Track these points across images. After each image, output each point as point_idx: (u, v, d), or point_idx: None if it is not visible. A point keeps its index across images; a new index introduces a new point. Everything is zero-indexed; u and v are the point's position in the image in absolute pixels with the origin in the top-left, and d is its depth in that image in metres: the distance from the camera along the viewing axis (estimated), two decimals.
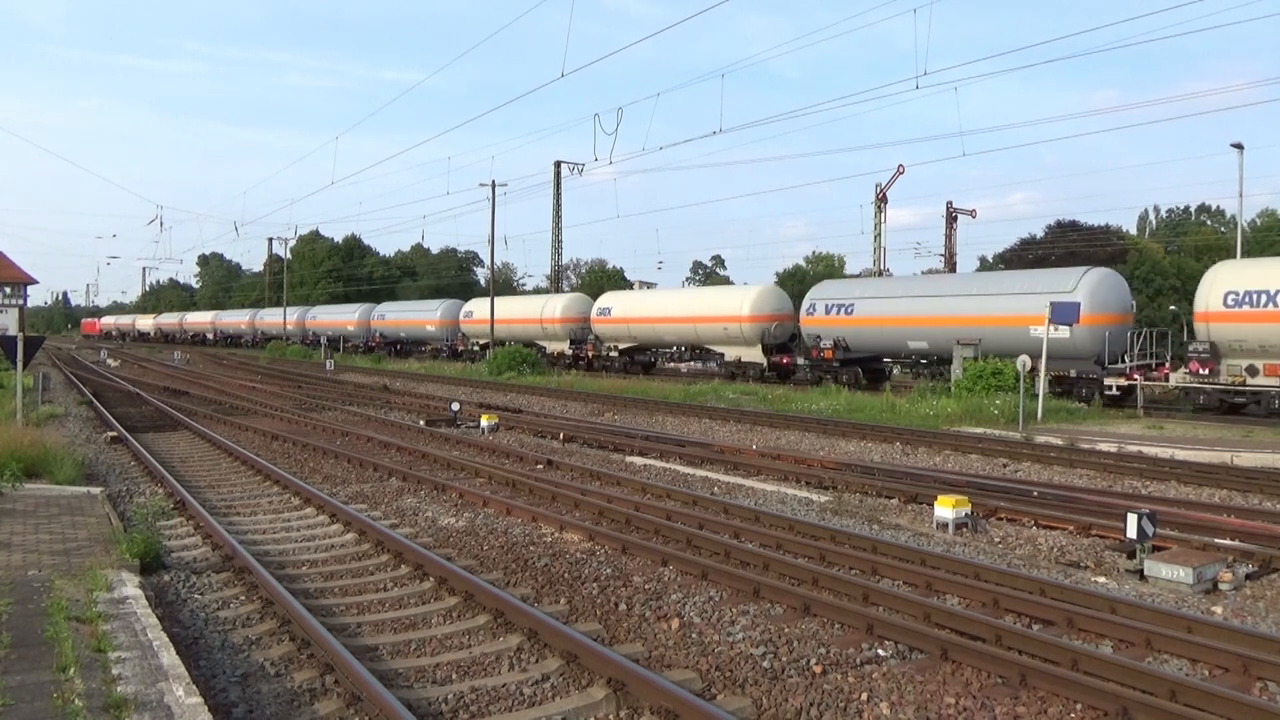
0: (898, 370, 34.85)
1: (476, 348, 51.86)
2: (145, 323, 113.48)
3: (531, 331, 47.76)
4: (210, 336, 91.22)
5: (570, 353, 45.07)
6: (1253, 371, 23.29)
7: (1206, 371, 23.93)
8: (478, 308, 52.35)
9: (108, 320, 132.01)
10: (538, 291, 66.71)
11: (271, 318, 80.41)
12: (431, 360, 54.74)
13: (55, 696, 5.21)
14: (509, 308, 49.38)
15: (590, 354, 43.85)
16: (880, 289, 34.51)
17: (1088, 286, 26.72)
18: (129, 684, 5.46)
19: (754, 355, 36.32)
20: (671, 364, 42.82)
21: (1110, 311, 26.95)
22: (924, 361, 31.80)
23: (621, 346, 42.27)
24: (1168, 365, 25.92)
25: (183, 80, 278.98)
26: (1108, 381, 25.96)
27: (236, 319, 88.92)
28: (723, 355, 37.96)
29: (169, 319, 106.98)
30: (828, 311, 33.53)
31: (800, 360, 34.37)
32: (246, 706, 5.93)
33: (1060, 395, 26.04)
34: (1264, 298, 23.06)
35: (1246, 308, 23.38)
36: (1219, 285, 24.11)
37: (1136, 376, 25.33)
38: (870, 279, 42.92)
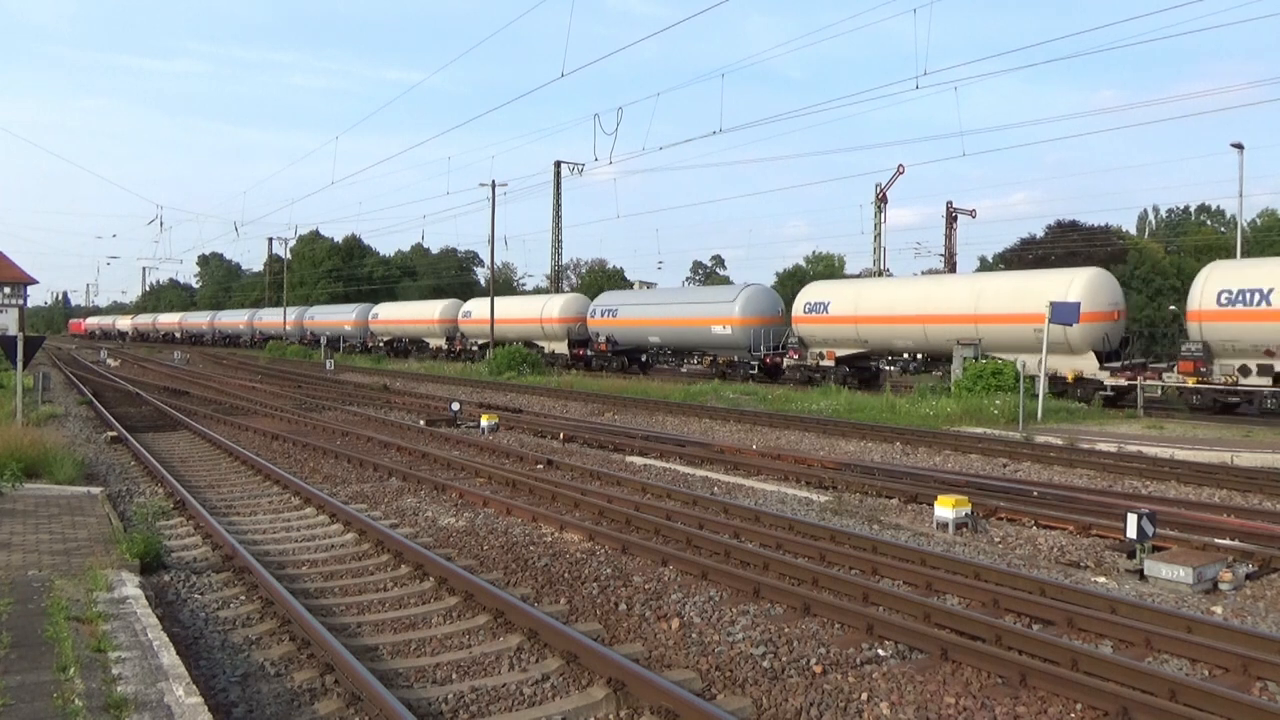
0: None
1: (382, 344, 64.25)
2: (124, 323, 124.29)
3: (421, 330, 59.92)
4: (178, 335, 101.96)
5: (446, 346, 56.73)
6: (827, 355, 34.00)
7: (798, 358, 34.48)
8: (383, 310, 65.79)
9: (92, 321, 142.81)
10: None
11: (227, 319, 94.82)
12: (356, 354, 62.33)
13: (55, 696, 5.21)
14: (406, 310, 63.23)
15: (459, 348, 55.49)
16: (633, 298, 44.43)
17: (742, 299, 37.33)
18: (129, 684, 5.46)
19: (562, 348, 46.22)
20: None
21: (761, 315, 36.91)
22: (665, 351, 42.34)
23: (480, 342, 52.09)
24: (794, 351, 34.74)
25: (184, 80, 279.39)
26: (752, 363, 36.36)
27: (199, 320, 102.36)
28: (542, 348, 47.52)
29: (144, 319, 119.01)
30: (603, 315, 43.21)
31: (589, 352, 44.10)
32: (246, 706, 5.93)
33: (723, 376, 36.72)
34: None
35: (818, 315, 33.60)
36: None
37: (769, 359, 35.84)
38: (630, 290, 53.72)
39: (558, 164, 58.21)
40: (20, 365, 16.65)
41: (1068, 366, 26.67)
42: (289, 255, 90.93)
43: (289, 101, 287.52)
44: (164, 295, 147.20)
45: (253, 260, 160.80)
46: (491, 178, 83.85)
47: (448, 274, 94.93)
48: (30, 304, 74.94)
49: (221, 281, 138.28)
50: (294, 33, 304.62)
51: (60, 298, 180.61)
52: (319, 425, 22.25)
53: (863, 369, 33.81)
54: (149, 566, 8.83)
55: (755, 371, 36.14)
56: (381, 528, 10.58)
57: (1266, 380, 22.31)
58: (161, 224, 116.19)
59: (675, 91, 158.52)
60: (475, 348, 53.10)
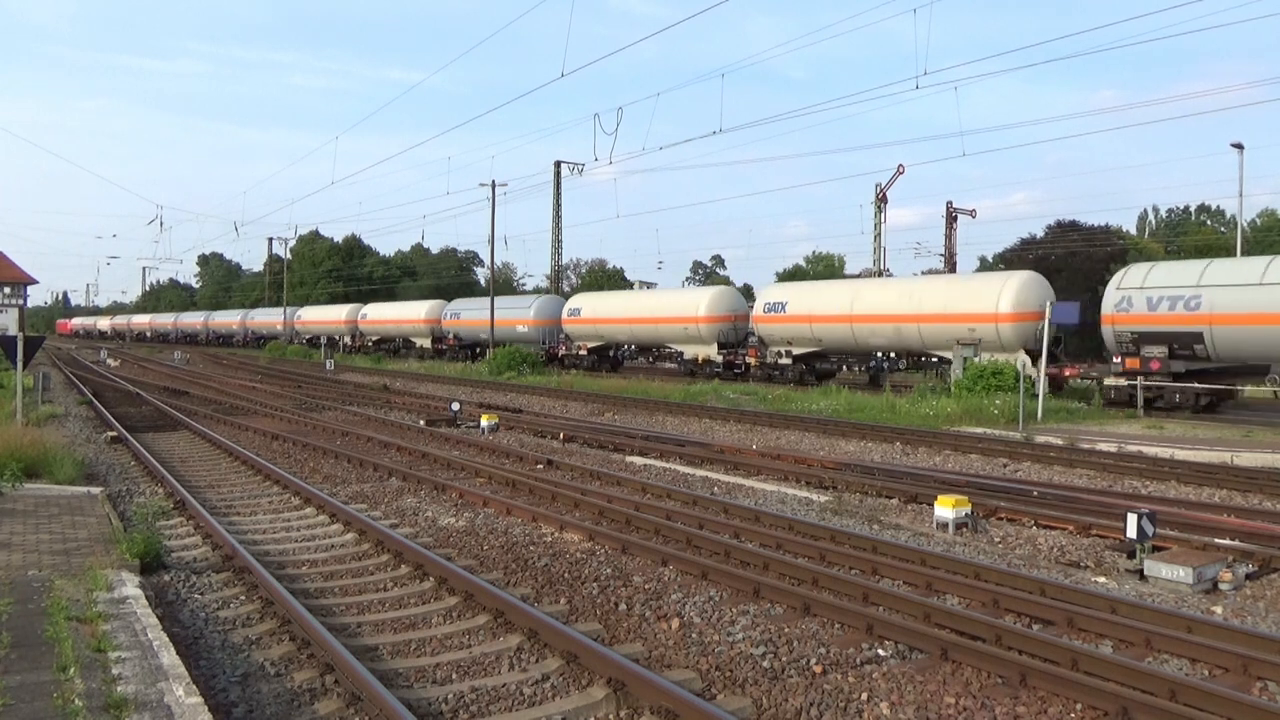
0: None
1: (304, 341, 74.45)
2: (104, 323, 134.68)
3: (332, 329, 72.01)
4: (148, 335, 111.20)
5: (349, 342, 69.49)
6: (582, 347, 45.53)
7: (565, 350, 46.32)
8: (305, 313, 78.17)
9: (76, 321, 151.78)
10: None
11: (189, 319, 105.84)
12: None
13: (55, 696, 5.21)
14: (321, 313, 75.78)
15: (359, 344, 68.61)
16: (470, 305, 56.89)
17: (535, 306, 50.15)
18: (129, 684, 5.46)
19: (427, 343, 59.24)
20: (402, 350, 63.50)
21: (549, 318, 48.68)
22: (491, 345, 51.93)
23: (374, 339, 67.29)
24: (563, 345, 46.32)
25: (184, 80, 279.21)
26: (541, 353, 46.35)
27: (164, 320, 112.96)
28: (415, 343, 61.30)
29: (120, 320, 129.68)
30: (450, 317, 56.46)
31: (444, 346, 57.29)
32: (246, 706, 5.93)
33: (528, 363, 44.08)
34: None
35: (575, 317, 45.71)
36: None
37: (550, 350, 46.98)
38: (469, 299, 63.74)
39: (558, 164, 58.30)
40: (20, 365, 16.64)
41: (702, 353, 39.14)
42: (289, 255, 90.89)
43: (289, 101, 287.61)
44: (164, 295, 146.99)
45: (253, 260, 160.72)
46: (491, 178, 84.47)
47: (448, 274, 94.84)
48: (30, 304, 75.08)
49: (221, 281, 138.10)
50: (294, 33, 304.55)
51: (60, 298, 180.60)
52: (319, 425, 22.24)
53: (606, 357, 45.19)
54: (149, 566, 8.82)
55: (543, 359, 46.52)
56: (381, 528, 10.58)
57: (789, 360, 35.00)
58: (161, 224, 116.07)
59: (675, 91, 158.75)
60: (370, 343, 68.08)
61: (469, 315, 54.63)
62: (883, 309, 31.43)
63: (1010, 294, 27.97)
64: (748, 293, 57.11)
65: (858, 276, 59.10)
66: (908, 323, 30.47)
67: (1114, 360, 25.50)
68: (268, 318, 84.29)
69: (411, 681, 6.41)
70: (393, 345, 64.86)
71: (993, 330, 28.05)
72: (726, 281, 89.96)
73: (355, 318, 68.35)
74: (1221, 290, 23.26)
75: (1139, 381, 24.83)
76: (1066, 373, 27.84)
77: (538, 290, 77.54)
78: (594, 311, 44.48)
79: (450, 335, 56.44)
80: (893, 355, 32.40)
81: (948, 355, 29.58)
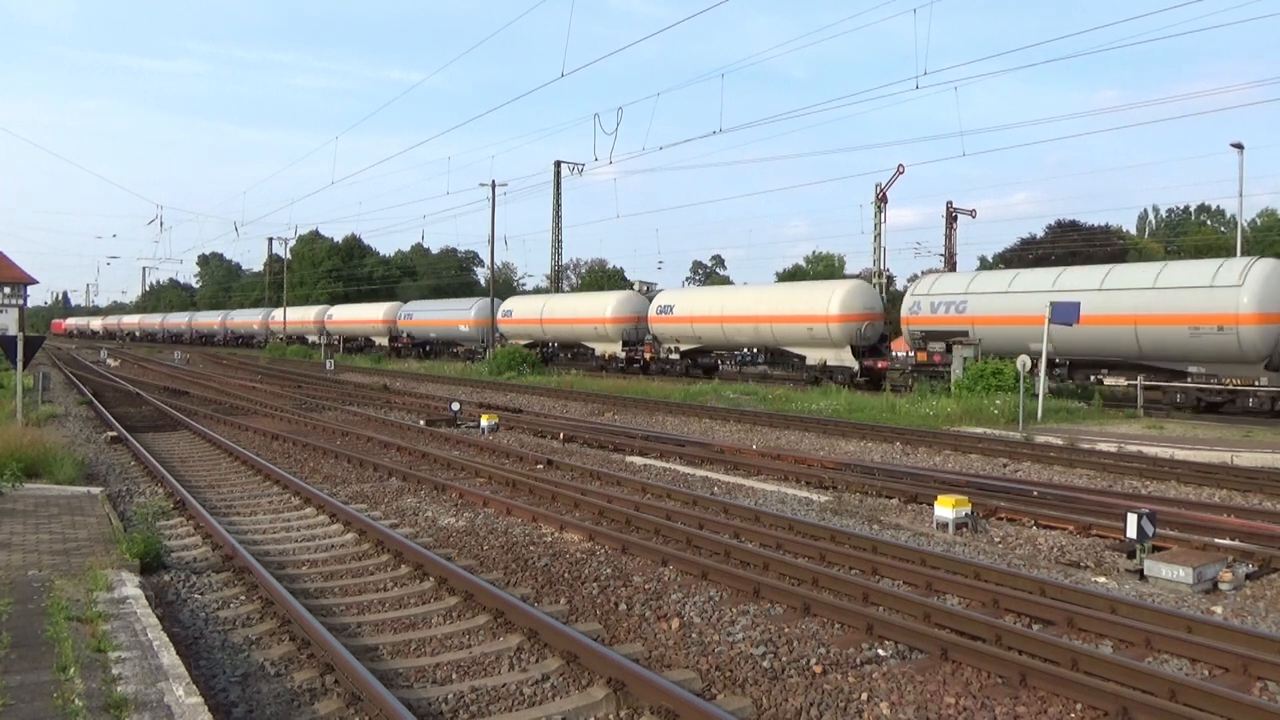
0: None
1: (280, 339, 77.93)
2: (96, 323, 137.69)
3: (304, 329, 75.53)
4: (137, 334, 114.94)
5: (318, 339, 71.16)
6: (531, 345, 48.68)
7: (500, 347, 47.63)
8: (280, 314, 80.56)
9: (71, 321, 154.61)
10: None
11: (175, 319, 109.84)
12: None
13: (55, 696, 5.21)
14: (297, 314, 79.22)
15: (326, 341, 70.12)
16: (421, 307, 62.85)
17: (475, 309, 54.07)
18: (129, 684, 5.46)
19: (384, 341, 64.76)
20: (365, 348, 68.31)
21: (486, 319, 51.43)
22: (440, 343, 58.82)
23: (339, 338, 71.17)
24: (499, 341, 49.34)
25: (184, 80, 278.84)
26: (480, 350, 51.04)
27: (152, 320, 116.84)
28: (374, 341, 66.08)
29: (111, 320, 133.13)
30: (404, 317, 61.67)
31: (399, 344, 62.14)
32: (246, 706, 5.93)
33: (470, 358, 50.96)
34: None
35: (508, 318, 50.41)
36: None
37: (490, 347, 49.26)
38: (421, 300, 69.01)
39: (558, 164, 58.16)
40: (20, 365, 16.64)
41: (609, 350, 43.80)
42: (289, 255, 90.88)
43: (289, 101, 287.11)
44: (164, 295, 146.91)
45: (253, 260, 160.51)
46: (491, 178, 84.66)
47: (448, 274, 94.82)
48: (30, 304, 75.20)
49: (221, 281, 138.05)
50: (294, 33, 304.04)
51: (60, 298, 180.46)
52: (319, 425, 22.24)
53: (539, 352, 48.18)
54: (149, 566, 8.82)
55: (481, 355, 50.79)
56: (381, 528, 10.58)
57: (677, 355, 40.05)
58: (161, 224, 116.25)
59: (675, 91, 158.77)
60: (336, 341, 71.62)
61: (420, 316, 60.73)
62: (744, 311, 36.39)
63: (838, 299, 33.02)
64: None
65: (857, 277, 61.35)
66: (763, 323, 35.41)
67: (909, 354, 31.23)
68: (246, 318, 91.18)
69: (411, 681, 6.41)
70: (356, 344, 70.75)
71: (825, 329, 33.11)
72: (726, 280, 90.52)
73: (323, 319, 73.96)
74: (981, 297, 28.22)
75: (1139, 382, 24.91)
76: (880, 365, 32.13)
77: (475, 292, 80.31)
78: (523, 313, 49.42)
79: (404, 335, 61.67)
80: (755, 350, 36.97)
81: (799, 351, 34.98)
